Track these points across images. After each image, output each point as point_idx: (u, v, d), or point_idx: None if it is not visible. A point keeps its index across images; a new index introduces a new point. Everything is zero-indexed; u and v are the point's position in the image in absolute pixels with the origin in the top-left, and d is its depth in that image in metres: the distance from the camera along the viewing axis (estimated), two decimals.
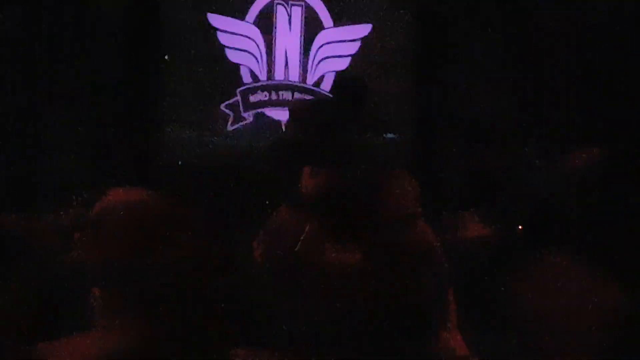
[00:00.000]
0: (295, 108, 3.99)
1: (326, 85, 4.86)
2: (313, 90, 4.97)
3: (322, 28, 4.94)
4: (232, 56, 4.88)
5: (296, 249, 2.63)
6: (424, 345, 1.96)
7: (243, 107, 4.92)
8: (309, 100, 4.66)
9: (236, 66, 4.89)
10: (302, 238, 2.66)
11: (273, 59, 4.94)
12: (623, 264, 2.03)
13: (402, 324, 2.03)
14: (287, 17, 4.93)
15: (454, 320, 2.01)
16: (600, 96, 4.16)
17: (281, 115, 4.84)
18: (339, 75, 4.62)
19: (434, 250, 2.53)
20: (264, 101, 4.94)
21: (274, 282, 2.31)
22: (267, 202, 3.71)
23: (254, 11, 4.88)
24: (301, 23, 4.95)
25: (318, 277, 2.18)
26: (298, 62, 4.96)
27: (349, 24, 4.96)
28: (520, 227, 4.20)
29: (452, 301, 1.99)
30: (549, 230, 2.56)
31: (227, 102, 4.92)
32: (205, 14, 4.81)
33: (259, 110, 4.93)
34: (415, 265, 2.21)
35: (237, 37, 4.89)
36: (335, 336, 2.03)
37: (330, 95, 4.85)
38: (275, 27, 4.93)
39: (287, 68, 4.95)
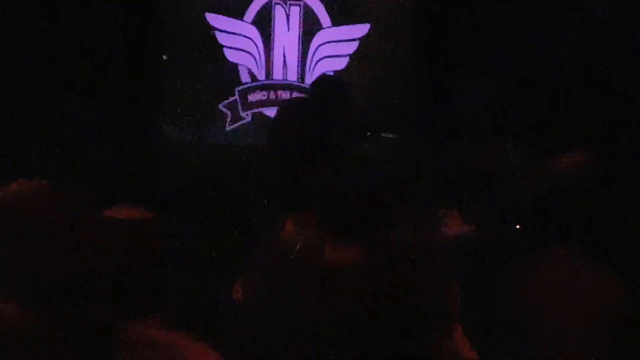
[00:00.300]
0: (282, 108, 3.99)
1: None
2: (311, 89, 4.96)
3: (321, 28, 4.93)
4: (231, 56, 4.87)
5: (296, 250, 2.63)
6: (427, 347, 1.95)
7: (241, 107, 4.92)
8: (293, 99, 4.69)
9: (234, 65, 4.89)
10: (301, 238, 2.66)
11: (271, 59, 4.94)
12: (624, 263, 2.03)
13: (403, 325, 2.02)
14: (285, 17, 4.93)
15: (459, 323, 2.01)
16: (597, 97, 4.16)
17: None
18: (319, 76, 4.63)
19: (436, 251, 2.53)
20: (263, 101, 4.93)
21: (273, 282, 2.30)
22: (266, 203, 3.71)
23: (252, 11, 4.87)
24: (299, 22, 4.95)
25: (317, 277, 2.18)
26: (296, 62, 4.95)
27: (347, 24, 4.95)
28: (518, 226, 4.21)
29: (458, 303, 1.98)
30: (548, 229, 2.56)
31: (225, 102, 4.91)
32: (204, 13, 4.80)
33: (258, 109, 4.92)
34: (416, 265, 2.20)
35: (235, 36, 4.89)
36: (335, 337, 2.03)
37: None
38: (274, 27, 4.93)
39: (286, 67, 4.94)
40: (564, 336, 2.04)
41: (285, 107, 3.52)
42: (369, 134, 4.19)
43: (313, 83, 3.34)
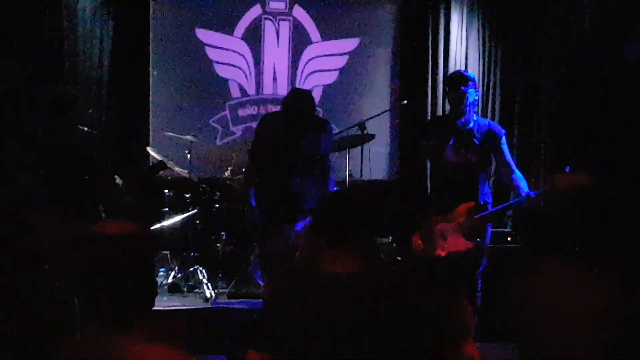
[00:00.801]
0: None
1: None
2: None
3: (310, 42, 4.97)
4: (221, 71, 4.89)
5: (295, 257, 2.63)
6: (428, 354, 1.95)
7: (232, 122, 4.93)
8: (268, 113, 4.76)
9: (225, 81, 4.91)
10: (300, 247, 2.66)
11: (261, 74, 4.95)
12: (622, 267, 2.05)
13: (402, 332, 2.02)
14: (275, 32, 4.96)
15: (471, 331, 2.00)
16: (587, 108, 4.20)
17: None
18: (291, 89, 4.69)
19: (435, 258, 2.54)
20: (253, 115, 4.94)
21: (274, 289, 2.30)
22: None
23: (242, 26, 4.89)
24: (289, 38, 4.98)
25: (316, 284, 2.18)
26: (286, 77, 4.97)
27: (336, 39, 4.99)
28: (509, 238, 4.24)
29: (470, 312, 1.97)
30: (547, 235, 2.58)
31: (216, 117, 4.93)
32: (194, 29, 4.82)
33: (248, 124, 4.93)
34: (414, 273, 2.21)
35: (225, 52, 4.90)
36: (335, 340, 2.02)
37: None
38: (264, 42, 4.95)
39: (276, 82, 4.96)
40: (563, 337, 2.05)
41: (262, 121, 3.56)
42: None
43: (284, 98, 3.40)
